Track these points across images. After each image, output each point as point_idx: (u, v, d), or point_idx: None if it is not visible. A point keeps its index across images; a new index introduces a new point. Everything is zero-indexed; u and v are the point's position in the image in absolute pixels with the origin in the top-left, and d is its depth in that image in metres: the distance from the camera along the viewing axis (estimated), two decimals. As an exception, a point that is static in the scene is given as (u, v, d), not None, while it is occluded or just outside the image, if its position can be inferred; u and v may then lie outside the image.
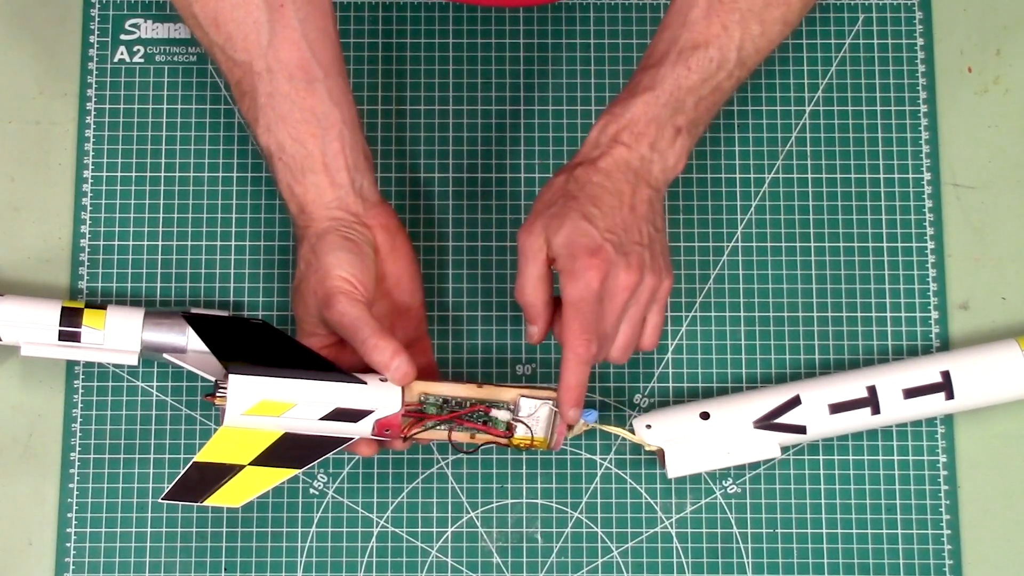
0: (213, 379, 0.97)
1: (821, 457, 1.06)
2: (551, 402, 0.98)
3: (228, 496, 0.95)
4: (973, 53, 1.13)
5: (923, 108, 1.12)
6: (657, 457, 1.05)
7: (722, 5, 0.95)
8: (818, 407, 1.03)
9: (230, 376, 0.94)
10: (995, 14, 1.14)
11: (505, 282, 1.09)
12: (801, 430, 1.03)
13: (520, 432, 0.98)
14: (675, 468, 1.03)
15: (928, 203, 1.11)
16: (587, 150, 0.97)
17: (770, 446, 1.03)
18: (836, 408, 1.03)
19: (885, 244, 1.10)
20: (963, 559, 1.05)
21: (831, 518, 1.06)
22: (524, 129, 1.11)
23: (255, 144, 0.98)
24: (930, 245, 1.10)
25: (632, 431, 1.03)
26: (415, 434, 0.97)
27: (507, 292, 1.09)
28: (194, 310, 1.05)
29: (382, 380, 0.96)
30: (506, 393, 0.98)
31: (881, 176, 1.11)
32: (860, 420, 1.03)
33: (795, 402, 1.03)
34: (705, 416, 1.02)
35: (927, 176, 1.11)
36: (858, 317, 1.09)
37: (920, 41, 1.13)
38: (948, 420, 1.07)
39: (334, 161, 0.97)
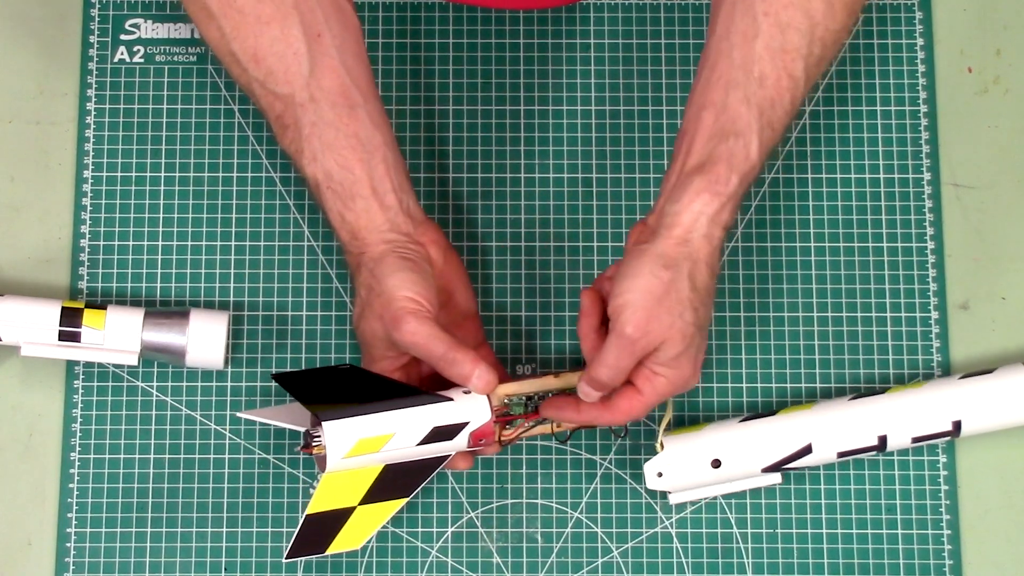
0: (301, 430, 0.98)
1: (821, 457, 1.07)
2: None
3: (347, 540, 0.96)
4: (973, 53, 1.13)
5: (923, 108, 1.12)
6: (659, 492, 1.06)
7: (786, 54, 0.94)
8: (827, 454, 1.03)
9: (324, 424, 0.95)
10: (995, 14, 1.14)
11: (505, 282, 1.09)
12: (805, 469, 1.05)
13: None
14: (678, 496, 1.04)
15: (928, 203, 1.11)
16: (690, 244, 0.94)
17: (773, 479, 1.04)
18: (845, 454, 1.03)
19: (885, 244, 1.10)
20: (963, 559, 1.05)
21: (831, 518, 1.06)
22: (524, 129, 1.11)
23: (300, 176, 0.98)
24: (930, 245, 1.10)
25: (644, 477, 1.04)
26: (508, 437, 0.99)
27: (507, 292, 1.09)
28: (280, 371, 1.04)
29: (465, 392, 0.97)
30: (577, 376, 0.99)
31: (881, 176, 1.11)
32: (865, 460, 1.06)
33: (806, 451, 1.02)
34: (716, 464, 1.02)
35: (927, 176, 1.11)
36: (858, 317, 1.09)
37: (920, 41, 1.13)
38: (948, 420, 1.07)
39: (381, 184, 0.97)
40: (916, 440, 1.03)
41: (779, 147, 1.10)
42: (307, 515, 0.96)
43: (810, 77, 0.95)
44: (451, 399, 0.96)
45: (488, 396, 0.97)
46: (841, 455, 1.03)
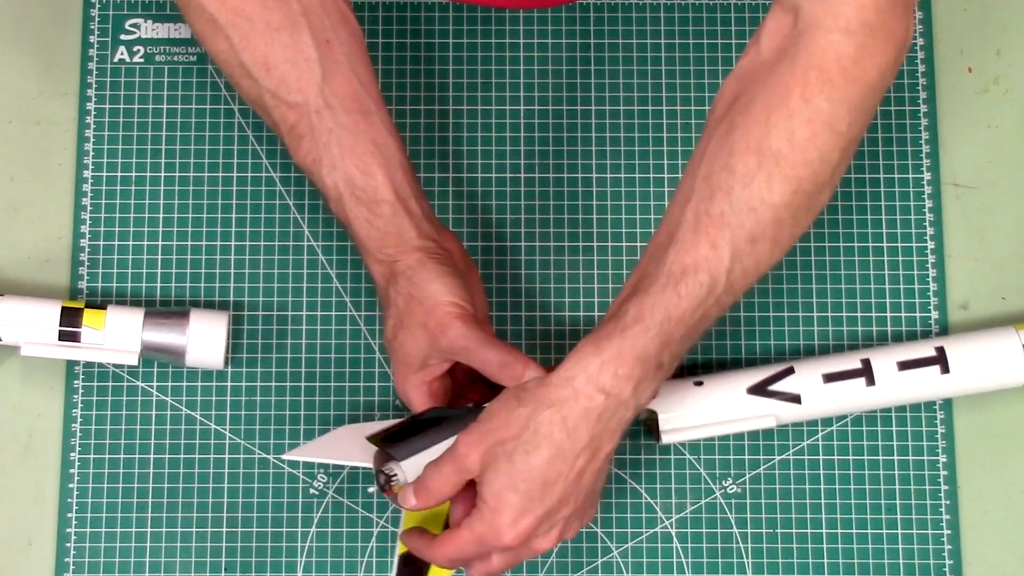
0: (362, 466, 0.98)
1: (821, 457, 1.07)
2: None
3: (441, 570, 0.98)
4: (973, 53, 1.13)
5: (923, 108, 1.12)
6: (652, 429, 1.05)
7: (710, 219, 0.88)
8: (812, 376, 1.03)
9: (401, 463, 0.94)
10: (995, 14, 1.14)
11: (505, 282, 1.09)
12: (795, 399, 1.03)
13: None
14: (669, 435, 1.03)
15: (928, 203, 1.11)
16: (560, 388, 0.90)
17: (764, 416, 1.03)
18: (830, 377, 1.03)
19: (885, 244, 1.10)
20: (963, 559, 1.05)
21: (831, 518, 1.06)
22: (524, 129, 1.11)
23: (318, 189, 0.97)
24: (930, 245, 1.10)
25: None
26: None
27: (507, 292, 1.09)
28: (370, 430, 1.00)
29: None
30: None
31: (881, 176, 1.11)
32: (855, 392, 1.03)
33: (788, 371, 1.02)
34: (699, 384, 1.02)
35: (927, 176, 1.11)
36: (858, 317, 1.09)
37: (920, 41, 1.13)
38: (948, 420, 1.07)
39: (403, 189, 0.96)
40: (902, 366, 1.03)
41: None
42: (400, 555, 0.97)
43: (737, 250, 0.88)
44: None
45: None
46: (827, 378, 1.03)
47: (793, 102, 0.87)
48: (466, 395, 1.00)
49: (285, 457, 1.03)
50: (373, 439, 0.96)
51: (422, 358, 0.96)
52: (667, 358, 0.91)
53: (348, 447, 0.98)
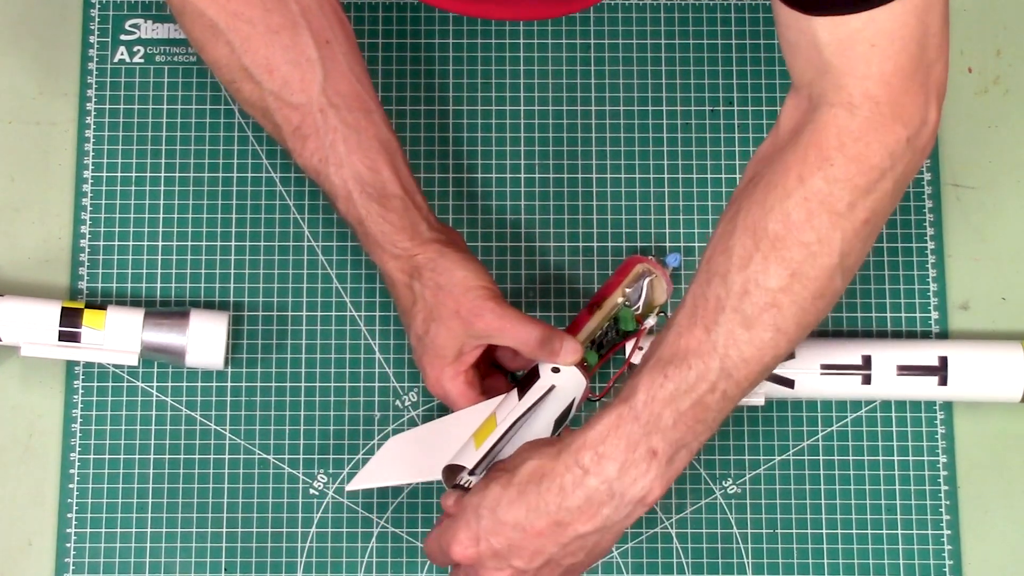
0: (427, 480, 0.98)
1: (821, 458, 1.07)
2: (645, 277, 1.00)
3: None
4: (973, 53, 1.13)
5: (923, 108, 1.12)
6: None
7: (706, 304, 0.87)
8: (810, 364, 1.03)
9: (473, 476, 0.94)
10: (995, 14, 1.14)
11: (506, 283, 1.09)
12: (788, 383, 1.03)
13: (650, 320, 1.00)
14: None
15: (928, 203, 1.11)
16: (556, 448, 0.89)
17: (754, 394, 1.01)
18: (828, 368, 1.03)
19: (885, 244, 1.10)
20: (963, 559, 1.05)
21: (831, 518, 1.06)
22: (524, 130, 1.11)
23: (325, 189, 0.97)
24: (930, 245, 1.10)
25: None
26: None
27: (508, 292, 1.09)
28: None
29: (553, 371, 0.97)
30: (615, 297, 1.00)
31: (881, 176, 1.11)
32: (850, 387, 1.03)
33: (788, 355, 1.02)
34: None
35: (927, 176, 1.11)
36: (858, 317, 1.09)
37: (920, 41, 1.13)
38: (948, 420, 1.07)
39: (408, 184, 0.97)
40: (902, 370, 1.03)
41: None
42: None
43: (732, 335, 0.86)
44: (550, 386, 0.96)
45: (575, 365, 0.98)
46: (825, 368, 1.03)
47: (790, 181, 0.85)
48: (487, 382, 1.00)
49: (349, 488, 1.02)
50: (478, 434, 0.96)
51: (457, 347, 0.97)
52: (660, 445, 0.87)
53: (408, 463, 0.98)
